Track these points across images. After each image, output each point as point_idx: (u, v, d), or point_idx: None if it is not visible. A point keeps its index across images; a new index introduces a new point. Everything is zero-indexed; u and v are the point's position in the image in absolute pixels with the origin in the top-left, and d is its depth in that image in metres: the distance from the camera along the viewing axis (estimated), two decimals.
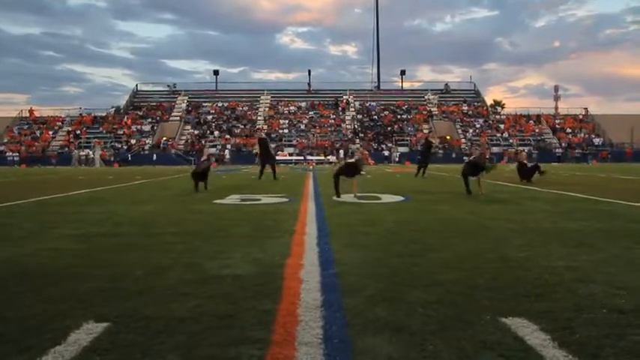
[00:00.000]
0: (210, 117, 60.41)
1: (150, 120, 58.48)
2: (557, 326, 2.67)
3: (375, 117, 60.97)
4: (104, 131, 56.05)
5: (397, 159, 50.61)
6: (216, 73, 69.81)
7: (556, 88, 70.86)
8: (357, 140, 54.71)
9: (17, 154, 49.84)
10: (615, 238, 5.29)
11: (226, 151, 50.23)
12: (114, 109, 63.07)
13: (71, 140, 53.38)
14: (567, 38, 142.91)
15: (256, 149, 19.12)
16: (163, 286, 3.47)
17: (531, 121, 60.34)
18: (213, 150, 47.49)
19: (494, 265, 4.03)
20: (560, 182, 14.97)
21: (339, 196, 10.04)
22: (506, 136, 56.96)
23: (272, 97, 65.59)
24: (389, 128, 58.14)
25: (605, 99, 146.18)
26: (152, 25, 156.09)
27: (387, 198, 10.16)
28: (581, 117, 62.93)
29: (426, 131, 55.76)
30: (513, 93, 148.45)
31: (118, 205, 9.22)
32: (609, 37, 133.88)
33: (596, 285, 3.45)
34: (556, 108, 67.40)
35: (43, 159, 48.42)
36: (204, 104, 63.26)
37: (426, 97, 65.71)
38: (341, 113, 61.77)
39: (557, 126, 59.82)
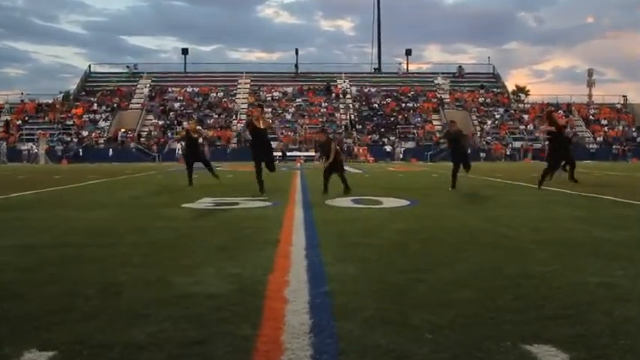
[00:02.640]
0: (177, 105, 60.24)
1: (105, 108, 58.23)
2: (591, 354, 2.68)
3: (376, 105, 61.08)
4: (50, 121, 55.74)
5: (401, 155, 50.73)
6: (185, 52, 69.69)
7: (589, 73, 71.31)
8: (341, 132, 54.72)
9: None
10: None
11: (177, 145, 49.66)
12: (62, 94, 62.66)
13: (11, 132, 53.04)
14: (603, 14, 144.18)
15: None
16: (120, 307, 3.46)
17: (561, 111, 60.64)
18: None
19: (515, 282, 4.04)
20: (594, 183, 15.06)
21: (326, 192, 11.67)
22: (531, 128, 57.22)
23: (252, 80, 65.53)
24: (392, 119, 58.27)
25: None
26: None
27: (389, 202, 10.19)
28: (619, 106, 63.34)
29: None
30: (539, 77, 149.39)
31: (67, 209, 9.18)
32: None
33: (636, 305, 3.47)
34: (590, 96, 67.87)
35: None
36: (171, 89, 63.07)
37: (435, 81, 65.88)
38: (334, 101, 61.82)
39: (590, 117, 60.20)
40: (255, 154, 12.33)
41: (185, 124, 52.81)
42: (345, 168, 12.01)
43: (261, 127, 12.22)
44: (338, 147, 12.01)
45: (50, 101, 60.15)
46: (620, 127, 58.23)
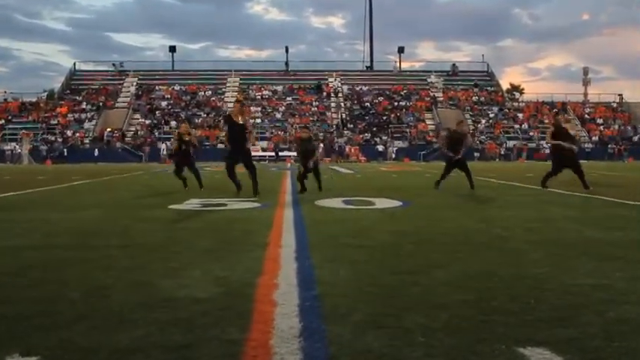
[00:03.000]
0: (165, 103, 60.15)
1: (91, 107, 58.00)
2: (584, 357, 2.69)
3: (367, 104, 61.18)
4: (34, 120, 55.44)
5: (394, 155, 50.83)
6: (172, 49, 69.65)
7: (585, 71, 71.66)
8: (332, 131, 54.69)
9: None
10: None
11: (162, 145, 49.72)
12: (46, 93, 62.67)
13: None
14: (599, 10, 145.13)
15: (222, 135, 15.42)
16: (105, 311, 3.44)
17: (556, 110, 60.95)
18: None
19: (509, 285, 4.05)
20: (589, 183, 15.12)
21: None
22: (526, 127, 57.46)
23: (241, 79, 65.54)
24: (384, 118, 58.35)
25: None
26: None
27: (382, 203, 10.20)
28: (614, 105, 63.69)
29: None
30: (534, 75, 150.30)
31: (50, 211, 9.14)
32: None
33: (631, 307, 3.48)
34: (585, 94, 68.25)
35: None
36: (158, 88, 62.97)
37: (428, 80, 66.12)
38: (325, 99, 61.87)
39: (586, 116, 60.54)
40: (230, 152, 11.83)
41: (173, 122, 52.79)
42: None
43: (240, 122, 11.62)
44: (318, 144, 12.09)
45: (34, 100, 59.94)
46: (616, 126, 58.57)
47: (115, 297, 3.77)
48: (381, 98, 62.03)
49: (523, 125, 57.68)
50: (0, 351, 2.78)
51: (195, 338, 2.96)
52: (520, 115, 59.71)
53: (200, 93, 62.27)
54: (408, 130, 56.01)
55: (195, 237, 6.33)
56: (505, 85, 73.48)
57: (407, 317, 3.28)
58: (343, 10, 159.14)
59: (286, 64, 68.77)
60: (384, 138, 54.26)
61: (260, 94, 62.43)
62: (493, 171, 24.43)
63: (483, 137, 55.06)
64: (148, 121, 56.23)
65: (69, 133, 53.51)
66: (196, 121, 56.22)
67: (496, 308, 3.46)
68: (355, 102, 61.56)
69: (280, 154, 49.54)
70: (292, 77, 66.72)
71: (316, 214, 8.49)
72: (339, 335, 2.99)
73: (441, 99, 61.54)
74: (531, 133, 56.10)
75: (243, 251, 5.39)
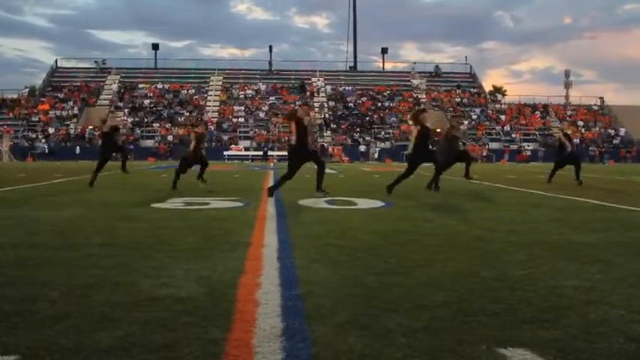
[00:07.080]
0: (147, 101, 59.83)
1: (73, 104, 57.57)
2: (566, 358, 2.71)
3: (351, 104, 61.27)
4: (15, 117, 54.93)
5: (377, 156, 50.94)
6: (155, 47, 69.33)
7: (567, 73, 72.26)
8: (315, 131, 54.67)
9: None
10: (636, 253, 5.41)
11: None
12: (27, 89, 62.01)
13: None
14: (580, 14, 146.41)
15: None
16: (86, 311, 3.42)
17: (537, 112, 61.47)
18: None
19: (491, 286, 4.07)
20: (571, 186, 15.25)
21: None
22: (508, 129, 57.80)
23: (224, 78, 65.34)
24: (367, 118, 58.44)
25: (624, 87, 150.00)
26: None
27: (364, 203, 10.21)
28: (595, 108, 64.28)
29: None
30: (516, 78, 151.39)
31: (31, 209, 9.06)
32: (630, 14, 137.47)
33: (612, 309, 3.51)
34: (567, 97, 68.83)
35: None
36: (141, 85, 62.65)
37: (412, 81, 66.24)
38: (309, 99, 61.83)
39: (567, 118, 61.00)
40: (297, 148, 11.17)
41: (156, 124, 52.43)
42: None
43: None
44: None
45: (15, 97, 59.42)
46: (597, 129, 59.12)
47: (96, 296, 3.74)
48: (364, 99, 62.17)
49: (505, 127, 58.04)
50: None
51: (176, 338, 2.94)
52: (502, 117, 60.09)
53: (183, 91, 62.03)
54: (391, 130, 56.20)
55: (177, 236, 6.30)
56: (488, 87, 74.05)
57: (389, 318, 3.28)
58: (327, 10, 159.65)
59: (270, 63, 68.74)
60: (367, 138, 54.39)
61: (243, 93, 62.31)
62: (475, 172, 24.52)
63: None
64: (130, 119, 55.90)
65: (50, 130, 53.09)
66: (179, 119, 56.01)
67: (478, 309, 3.47)
68: (338, 102, 61.65)
69: (256, 153, 49.63)
70: (275, 77, 66.69)
71: (299, 214, 8.49)
72: (321, 335, 2.99)
73: (424, 100, 61.76)
74: (513, 135, 56.47)
75: (226, 251, 5.38)
